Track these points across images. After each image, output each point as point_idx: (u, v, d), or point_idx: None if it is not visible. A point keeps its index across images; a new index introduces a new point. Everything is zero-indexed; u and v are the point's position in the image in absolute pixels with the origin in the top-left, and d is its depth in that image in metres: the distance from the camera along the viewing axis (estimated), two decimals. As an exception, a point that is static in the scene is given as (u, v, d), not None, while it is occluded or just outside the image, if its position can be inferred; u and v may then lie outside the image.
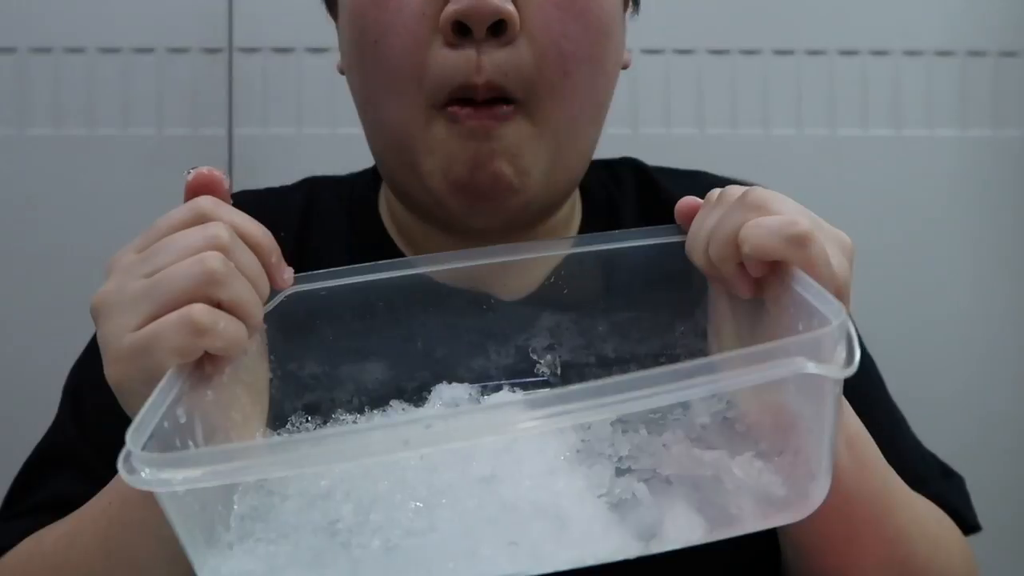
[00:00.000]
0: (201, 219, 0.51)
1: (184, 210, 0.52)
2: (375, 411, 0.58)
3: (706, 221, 0.55)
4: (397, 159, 0.66)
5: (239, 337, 0.49)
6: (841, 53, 1.36)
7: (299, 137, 1.32)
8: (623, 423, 0.51)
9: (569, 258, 0.61)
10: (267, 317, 0.54)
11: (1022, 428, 1.39)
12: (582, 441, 0.50)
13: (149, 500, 0.41)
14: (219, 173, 0.54)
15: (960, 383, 1.37)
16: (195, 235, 0.50)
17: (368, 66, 0.64)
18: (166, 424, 0.43)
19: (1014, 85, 1.38)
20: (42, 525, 0.60)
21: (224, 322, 0.48)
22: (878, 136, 1.37)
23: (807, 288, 0.44)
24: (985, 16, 1.38)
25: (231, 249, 0.50)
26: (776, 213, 0.51)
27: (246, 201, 0.79)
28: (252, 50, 1.31)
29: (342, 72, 0.72)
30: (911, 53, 1.37)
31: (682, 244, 0.56)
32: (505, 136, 0.61)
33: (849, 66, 1.36)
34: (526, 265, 0.63)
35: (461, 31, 0.60)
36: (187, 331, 0.47)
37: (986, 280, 1.38)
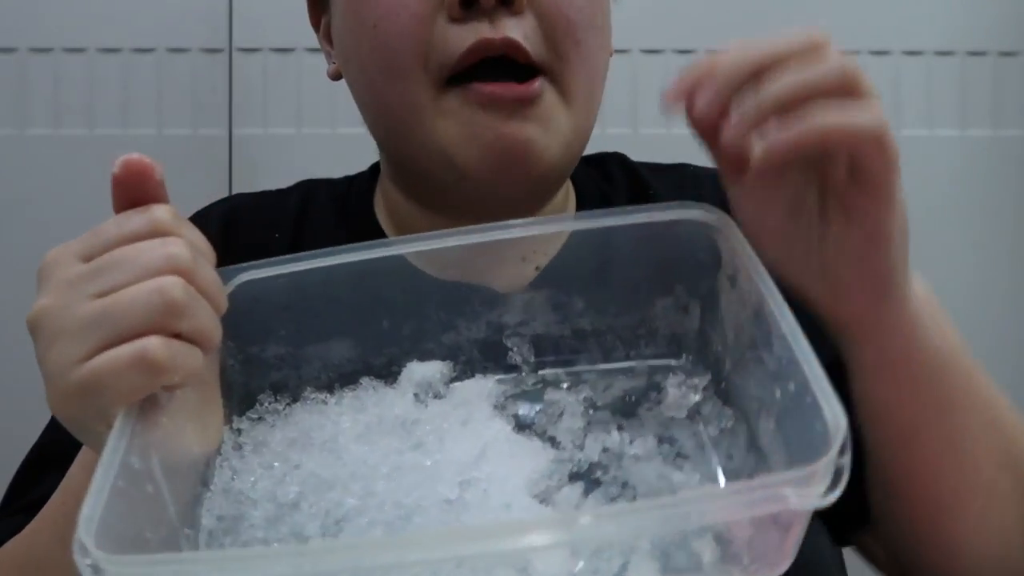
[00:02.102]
0: (157, 232, 0.45)
1: (138, 220, 0.46)
2: (345, 389, 0.56)
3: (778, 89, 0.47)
4: (406, 143, 0.65)
5: (196, 366, 0.45)
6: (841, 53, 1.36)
7: (299, 137, 1.32)
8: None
9: (561, 250, 0.59)
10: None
11: (1022, 428, 1.39)
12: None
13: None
14: (150, 161, 0.47)
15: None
16: (153, 253, 0.44)
17: (368, 51, 0.64)
18: (121, 483, 0.40)
19: (1014, 85, 1.38)
20: None
21: (180, 355, 0.44)
22: (878, 136, 1.36)
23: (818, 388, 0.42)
24: (985, 16, 1.37)
25: (192, 269, 0.45)
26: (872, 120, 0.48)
27: (241, 204, 0.79)
28: (252, 50, 1.31)
29: (335, 78, 0.71)
30: (911, 53, 1.37)
31: (666, 224, 0.53)
32: (540, 103, 0.61)
33: (849, 66, 1.36)
34: (515, 256, 0.63)
35: (467, 4, 0.59)
36: (142, 369, 0.42)
37: (986, 280, 1.38)
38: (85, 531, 0.37)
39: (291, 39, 1.31)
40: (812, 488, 0.36)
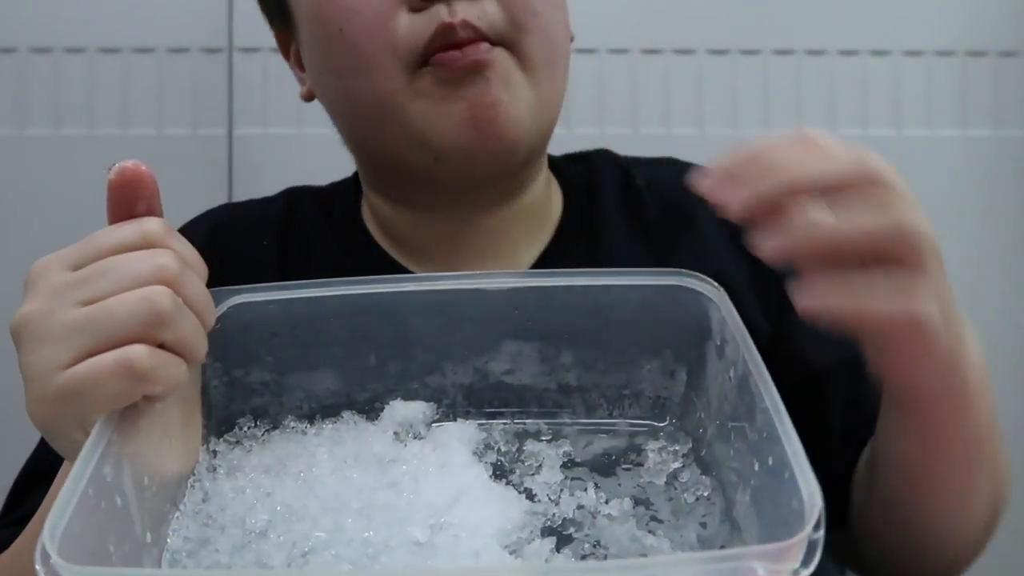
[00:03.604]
0: (146, 243, 0.46)
1: (129, 230, 0.46)
2: (326, 421, 0.56)
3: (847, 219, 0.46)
4: (381, 136, 0.67)
5: (180, 378, 0.45)
6: (841, 53, 1.36)
7: (299, 137, 1.32)
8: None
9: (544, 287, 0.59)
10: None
11: (1020, 426, 1.39)
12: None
13: None
14: (146, 168, 0.47)
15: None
16: (141, 263, 0.44)
17: (338, 55, 0.65)
18: (91, 492, 0.39)
19: (1014, 85, 1.38)
20: None
21: (164, 366, 0.44)
22: (878, 136, 1.36)
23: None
24: (985, 16, 1.37)
25: (180, 281, 0.45)
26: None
27: (227, 214, 0.80)
28: (252, 50, 1.31)
29: (307, 99, 0.74)
30: (911, 53, 1.37)
31: (663, 288, 0.54)
32: (495, 65, 0.63)
33: (849, 66, 1.36)
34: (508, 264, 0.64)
35: None
36: (125, 377, 0.42)
37: (986, 280, 1.38)
38: (49, 538, 0.36)
39: (291, 39, 1.31)
40: (784, 564, 0.36)
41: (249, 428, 0.56)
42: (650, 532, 0.49)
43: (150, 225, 0.46)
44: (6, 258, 1.24)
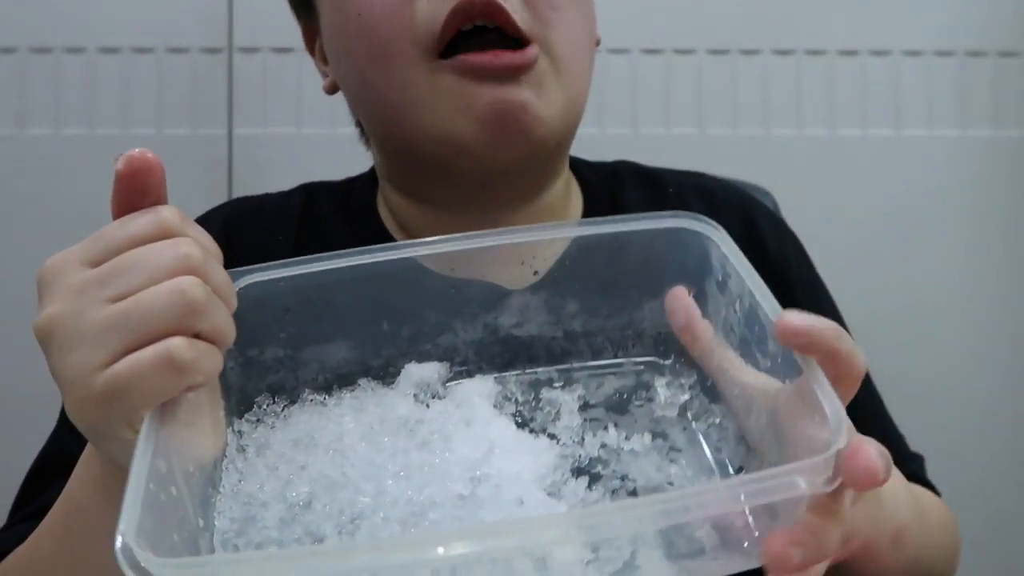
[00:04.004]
0: (165, 233, 0.45)
1: (145, 221, 0.45)
2: (343, 390, 0.56)
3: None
4: (402, 128, 0.66)
5: (218, 367, 0.45)
6: (841, 53, 1.36)
7: (299, 137, 1.32)
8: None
9: (565, 252, 0.61)
10: None
11: (1018, 425, 1.39)
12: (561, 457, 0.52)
13: (107, 510, 0.40)
14: (153, 156, 0.46)
15: (956, 379, 1.37)
16: (166, 254, 0.43)
17: (355, 41, 0.65)
18: (152, 486, 0.40)
19: (1014, 85, 1.38)
20: None
21: (203, 356, 0.43)
22: (878, 136, 1.37)
23: (822, 389, 0.43)
24: (985, 16, 1.38)
25: (205, 269, 0.44)
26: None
27: (243, 208, 0.79)
28: (252, 50, 1.31)
29: (330, 91, 0.73)
30: (911, 53, 1.37)
31: (663, 232, 0.55)
32: (530, 69, 0.62)
33: (849, 66, 1.36)
34: (514, 260, 0.63)
35: None
36: (167, 371, 0.42)
37: (984, 279, 1.38)
38: (131, 536, 0.37)
39: (291, 39, 1.30)
40: (819, 476, 0.38)
41: (268, 405, 0.56)
42: (672, 462, 0.51)
43: (166, 214, 0.45)
44: (6, 258, 1.24)
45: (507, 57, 0.61)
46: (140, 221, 0.45)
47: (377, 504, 0.47)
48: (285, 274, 0.54)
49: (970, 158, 1.38)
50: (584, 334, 0.58)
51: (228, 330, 0.46)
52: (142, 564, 0.36)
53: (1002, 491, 1.36)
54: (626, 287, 0.58)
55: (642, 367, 0.58)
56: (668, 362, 0.58)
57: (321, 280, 0.55)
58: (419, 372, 0.57)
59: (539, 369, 0.58)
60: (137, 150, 0.46)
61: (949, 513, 0.71)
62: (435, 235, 0.71)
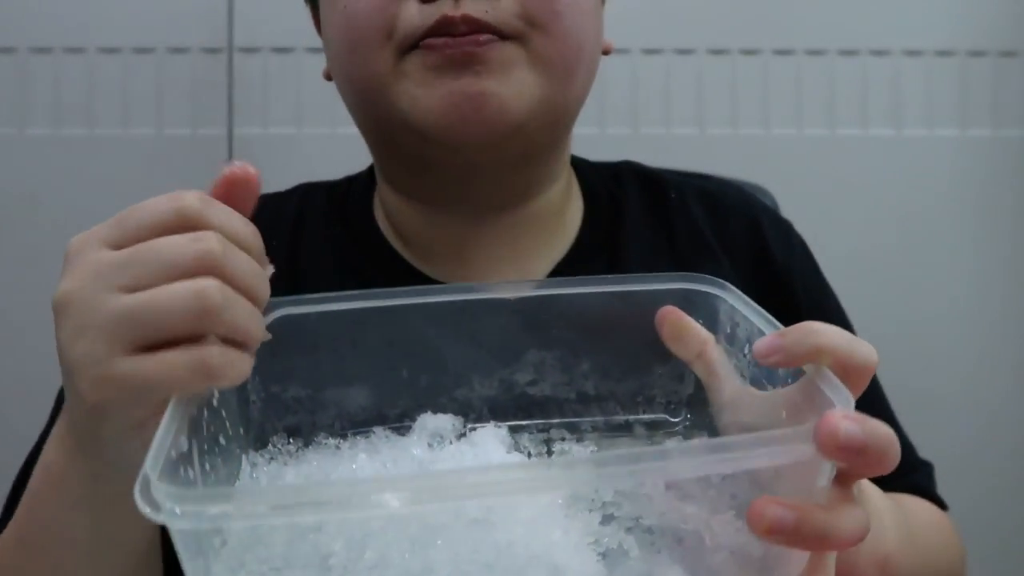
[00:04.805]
0: (187, 223, 0.44)
1: (166, 209, 0.44)
2: (357, 436, 0.56)
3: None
4: (374, 115, 0.67)
5: (247, 371, 0.45)
6: (841, 53, 1.36)
7: (299, 137, 1.32)
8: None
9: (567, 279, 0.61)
10: None
11: (1020, 426, 1.39)
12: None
13: (65, 507, 0.43)
14: (254, 173, 0.47)
15: (959, 381, 1.37)
16: (184, 250, 0.43)
17: (337, 31, 0.66)
18: (173, 454, 0.40)
19: (1014, 85, 1.38)
20: None
21: (234, 362, 0.44)
22: (878, 136, 1.37)
23: (827, 382, 0.43)
24: (985, 16, 1.38)
25: (226, 265, 0.44)
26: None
27: None
28: (252, 50, 1.31)
29: (326, 78, 0.73)
30: (911, 53, 1.37)
31: (672, 292, 0.56)
32: (491, 59, 0.61)
33: (849, 66, 1.36)
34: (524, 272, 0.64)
35: None
36: (199, 375, 0.43)
37: (985, 279, 1.38)
38: (154, 480, 0.37)
39: (291, 39, 1.31)
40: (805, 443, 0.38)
41: (283, 445, 0.56)
42: (685, 503, 0.51)
43: (187, 201, 0.45)
44: (6, 258, 1.24)
45: (461, 41, 0.61)
46: (163, 208, 0.45)
47: (387, 525, 0.47)
48: (317, 309, 0.54)
49: (970, 158, 1.38)
50: (596, 397, 0.59)
51: (251, 328, 0.45)
52: (157, 500, 0.36)
53: (1009, 490, 1.36)
54: (636, 348, 0.58)
55: (651, 428, 0.59)
56: (678, 421, 0.59)
57: (351, 318, 0.55)
58: (434, 423, 0.57)
59: (551, 430, 0.59)
60: (238, 165, 0.47)
61: (949, 529, 0.70)
62: (426, 236, 0.72)
